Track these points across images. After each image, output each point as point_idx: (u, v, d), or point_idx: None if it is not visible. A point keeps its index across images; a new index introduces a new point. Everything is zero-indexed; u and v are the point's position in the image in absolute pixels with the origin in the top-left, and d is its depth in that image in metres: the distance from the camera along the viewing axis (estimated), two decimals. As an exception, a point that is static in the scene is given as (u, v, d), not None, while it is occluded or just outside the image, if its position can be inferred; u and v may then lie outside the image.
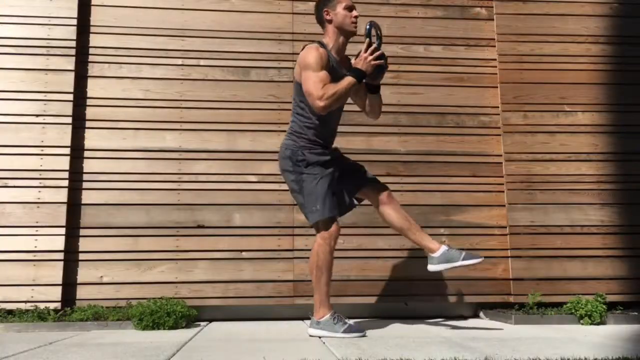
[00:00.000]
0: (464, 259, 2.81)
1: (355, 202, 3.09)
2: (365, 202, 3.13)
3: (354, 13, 2.97)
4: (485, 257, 3.83)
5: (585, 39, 4.16)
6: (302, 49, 2.94)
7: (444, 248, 2.86)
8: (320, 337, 2.77)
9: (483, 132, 4.03)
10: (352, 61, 2.94)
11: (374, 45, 2.86)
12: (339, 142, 3.23)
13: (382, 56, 2.87)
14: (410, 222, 2.95)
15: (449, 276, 3.81)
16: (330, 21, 2.97)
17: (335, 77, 2.86)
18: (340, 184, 2.99)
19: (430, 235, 2.96)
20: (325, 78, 2.82)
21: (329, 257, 2.85)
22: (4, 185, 3.60)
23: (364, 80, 2.90)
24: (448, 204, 3.92)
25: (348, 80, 2.82)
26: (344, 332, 2.77)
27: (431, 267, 2.88)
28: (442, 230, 3.88)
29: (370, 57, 2.84)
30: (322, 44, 2.94)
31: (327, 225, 2.85)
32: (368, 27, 2.90)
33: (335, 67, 2.93)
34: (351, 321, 2.89)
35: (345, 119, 3.95)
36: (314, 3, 3.10)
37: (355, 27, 2.98)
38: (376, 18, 4.02)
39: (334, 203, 2.89)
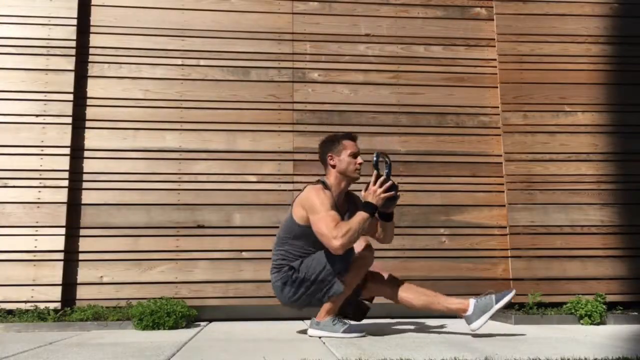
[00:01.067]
0: (497, 302, 2.72)
1: (368, 304, 3.02)
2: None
3: (359, 160, 2.88)
4: (485, 257, 3.88)
5: (585, 39, 4.16)
6: (304, 189, 2.87)
7: (472, 302, 2.75)
8: (320, 338, 2.77)
9: (483, 132, 4.03)
10: (362, 193, 2.79)
11: (383, 177, 2.74)
12: (339, 142, 3.22)
13: (392, 187, 2.74)
14: (427, 294, 2.84)
15: (449, 276, 3.81)
16: (334, 166, 2.90)
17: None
18: None
19: (451, 296, 2.83)
20: (336, 217, 2.71)
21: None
22: (4, 185, 3.60)
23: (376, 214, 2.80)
24: (448, 204, 3.92)
25: (361, 215, 2.70)
26: (344, 332, 2.77)
27: (474, 326, 2.74)
28: (442, 230, 3.88)
29: (380, 190, 2.71)
30: (324, 184, 2.87)
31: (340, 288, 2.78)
32: (375, 158, 2.78)
33: (337, 209, 2.82)
34: (351, 321, 2.89)
35: (345, 119, 3.97)
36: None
37: (359, 174, 2.89)
38: (376, 18, 4.05)
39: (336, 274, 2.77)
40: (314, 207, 2.74)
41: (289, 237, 2.86)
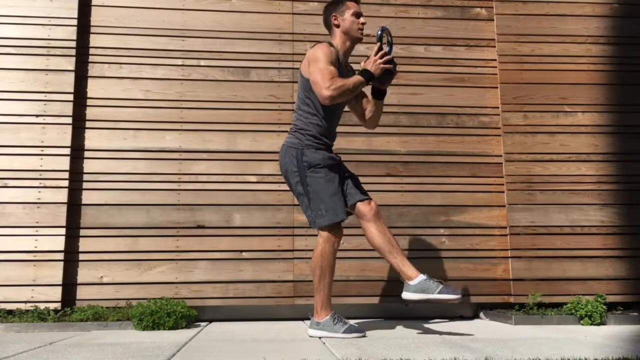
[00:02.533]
0: (439, 292, 2.68)
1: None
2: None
3: (361, 20, 3.02)
4: (485, 257, 3.88)
5: (585, 40, 4.16)
6: (312, 47, 2.97)
7: (421, 277, 2.74)
8: (320, 338, 2.77)
9: (483, 132, 4.03)
10: (361, 64, 2.95)
11: (385, 50, 2.91)
12: (339, 142, 3.23)
13: (391, 61, 2.91)
14: (393, 245, 2.83)
15: (449, 277, 3.81)
16: (337, 26, 3.02)
17: (341, 76, 2.87)
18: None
19: (409, 260, 2.83)
20: (334, 71, 2.83)
21: (332, 259, 2.84)
22: (4, 186, 3.60)
23: (371, 83, 2.92)
24: (448, 204, 3.92)
25: (357, 77, 2.86)
26: (344, 332, 2.77)
27: (405, 295, 2.76)
28: (442, 231, 3.88)
29: (380, 60, 2.88)
30: (331, 45, 2.97)
31: (332, 228, 2.84)
32: (380, 32, 2.94)
33: (342, 68, 2.96)
34: (351, 321, 2.88)
35: (346, 119, 3.96)
36: (322, 4, 3.11)
37: (362, 33, 3.03)
38: (376, 19, 4.06)
39: (341, 206, 2.86)
40: (317, 58, 2.86)
41: (305, 94, 2.96)
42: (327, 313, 2.83)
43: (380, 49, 2.90)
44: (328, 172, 2.88)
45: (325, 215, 2.82)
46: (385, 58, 2.88)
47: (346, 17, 3.00)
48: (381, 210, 2.95)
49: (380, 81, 2.94)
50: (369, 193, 2.98)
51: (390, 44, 2.96)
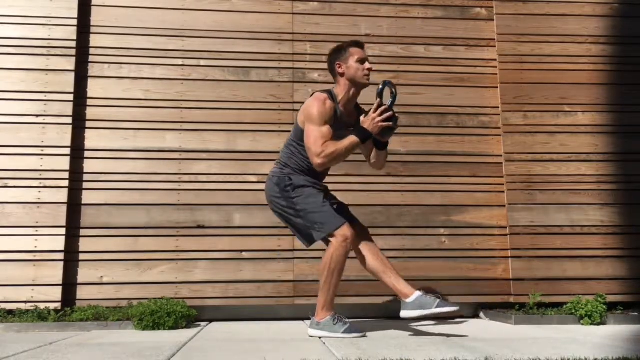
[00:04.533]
0: (437, 307, 2.68)
1: None
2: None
3: (367, 65, 2.91)
4: (485, 257, 3.88)
5: (585, 40, 4.16)
6: (311, 95, 2.92)
7: (417, 294, 2.73)
8: (320, 338, 2.76)
9: (483, 132, 4.03)
10: (361, 118, 2.85)
11: (385, 106, 2.76)
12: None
13: (392, 118, 2.76)
14: (386, 265, 2.84)
15: (449, 276, 3.81)
16: (342, 74, 2.92)
17: (338, 128, 2.84)
18: None
19: (405, 279, 2.82)
20: (327, 134, 2.78)
21: (343, 261, 2.80)
22: (4, 186, 3.60)
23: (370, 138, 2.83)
24: (448, 204, 3.92)
25: (350, 140, 2.77)
26: (344, 332, 2.76)
27: (403, 313, 2.75)
28: (442, 231, 3.88)
29: (379, 119, 2.75)
30: (331, 94, 2.91)
31: (341, 230, 2.80)
32: (381, 86, 2.81)
33: (339, 125, 2.88)
34: (351, 321, 2.88)
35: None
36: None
37: (368, 79, 2.92)
38: (376, 18, 4.06)
39: (335, 213, 2.85)
40: (311, 117, 2.81)
41: (296, 141, 2.94)
42: (327, 313, 2.82)
43: (379, 105, 2.76)
44: (312, 190, 2.88)
45: (323, 227, 2.81)
46: (385, 115, 2.75)
47: (350, 65, 2.90)
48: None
49: (380, 136, 2.82)
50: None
51: (394, 96, 2.82)
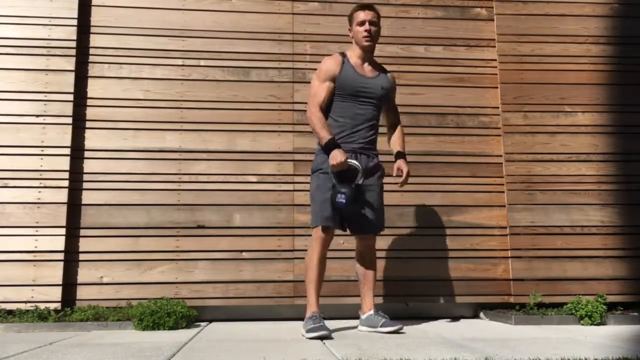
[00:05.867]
0: (382, 326, 2.94)
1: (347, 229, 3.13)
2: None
3: (365, 27, 3.09)
4: (485, 257, 3.88)
5: (585, 40, 4.16)
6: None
7: (369, 313, 3.03)
8: (320, 339, 2.76)
9: (483, 132, 4.03)
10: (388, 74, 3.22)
11: (353, 185, 2.91)
12: (339, 143, 3.21)
13: (355, 197, 2.89)
14: (368, 279, 3.10)
15: (449, 277, 3.81)
16: (352, 37, 3.18)
17: (350, 81, 3.06)
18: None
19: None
20: (319, 93, 3.04)
21: (316, 261, 2.99)
22: (4, 186, 3.60)
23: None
24: (448, 204, 3.92)
25: (322, 135, 2.98)
26: (307, 332, 2.82)
27: (360, 327, 3.07)
28: (442, 231, 3.88)
29: (336, 167, 2.91)
30: (343, 54, 3.14)
31: (319, 232, 2.99)
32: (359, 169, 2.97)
33: (352, 73, 3.08)
34: (325, 321, 2.89)
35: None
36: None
37: (368, 41, 3.11)
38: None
39: (329, 213, 2.94)
40: (317, 72, 3.11)
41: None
42: (309, 311, 2.94)
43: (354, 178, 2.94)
44: (324, 180, 2.99)
45: (314, 218, 3.02)
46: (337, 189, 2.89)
47: (354, 28, 3.14)
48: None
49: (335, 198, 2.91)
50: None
51: (361, 178, 2.94)
